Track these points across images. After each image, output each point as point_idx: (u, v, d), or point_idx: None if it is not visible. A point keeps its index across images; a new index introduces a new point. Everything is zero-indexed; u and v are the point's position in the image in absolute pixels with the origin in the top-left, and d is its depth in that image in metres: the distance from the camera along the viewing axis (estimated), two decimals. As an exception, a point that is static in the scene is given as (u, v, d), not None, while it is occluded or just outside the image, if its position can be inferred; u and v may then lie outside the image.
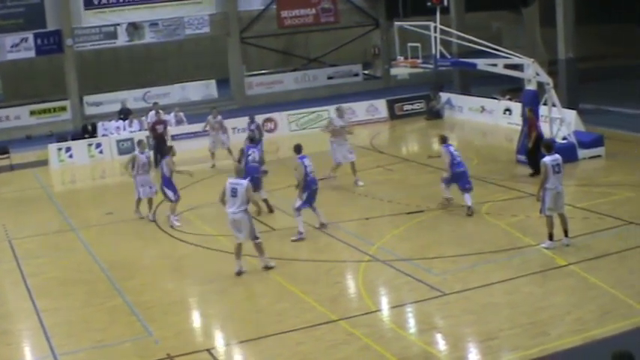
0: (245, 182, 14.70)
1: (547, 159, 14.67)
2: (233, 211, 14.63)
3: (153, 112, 27.27)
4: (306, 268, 15.10)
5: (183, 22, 36.18)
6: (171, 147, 19.62)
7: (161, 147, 25.52)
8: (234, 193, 14.60)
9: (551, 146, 15.17)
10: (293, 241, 16.59)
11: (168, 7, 36.01)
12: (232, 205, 14.63)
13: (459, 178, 17.67)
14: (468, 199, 17.52)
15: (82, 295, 14.50)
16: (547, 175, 14.54)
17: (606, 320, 11.52)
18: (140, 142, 20.25)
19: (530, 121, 20.80)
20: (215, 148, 25.18)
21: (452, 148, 17.92)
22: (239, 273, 14.79)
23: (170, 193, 18.56)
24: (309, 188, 16.78)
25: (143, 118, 28.85)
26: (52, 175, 27.10)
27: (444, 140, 17.98)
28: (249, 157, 19.02)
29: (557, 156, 14.81)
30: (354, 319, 12.41)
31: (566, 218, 14.92)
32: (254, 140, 20.27)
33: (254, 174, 18.47)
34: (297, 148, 17.24)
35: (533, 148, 20.34)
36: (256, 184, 18.55)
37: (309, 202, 16.92)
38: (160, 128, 25.59)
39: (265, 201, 18.93)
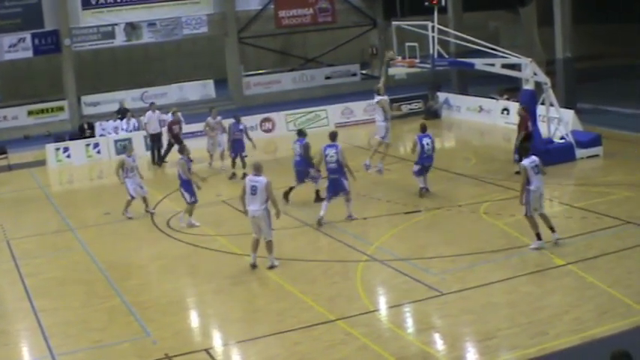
0: (264, 180, 14.70)
1: (525, 162, 14.95)
2: (253, 209, 14.68)
3: (150, 112, 27.23)
4: (305, 268, 15.08)
5: (180, 22, 36.16)
6: (184, 147, 19.58)
7: (162, 148, 25.93)
8: (253, 190, 14.64)
9: (527, 149, 15.69)
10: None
11: (166, 7, 36.00)
12: (252, 203, 14.69)
13: (426, 170, 19.21)
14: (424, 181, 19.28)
15: (80, 295, 14.49)
16: (528, 178, 14.71)
17: (604, 320, 11.52)
18: (125, 146, 20.42)
19: (523, 119, 20.78)
20: (214, 150, 25.05)
21: (425, 140, 18.97)
22: (254, 265, 14.92)
23: (187, 195, 18.23)
24: (327, 177, 17.70)
25: (141, 117, 28.82)
26: (50, 175, 27.07)
27: (421, 129, 19.31)
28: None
29: (534, 158, 15.04)
30: (352, 318, 12.40)
31: (547, 216, 15.02)
32: (302, 134, 20.19)
33: (295, 167, 19.33)
34: (329, 135, 18.09)
35: (520, 146, 20.38)
36: (299, 177, 19.39)
37: (329, 190, 17.58)
38: (175, 129, 25.84)
39: (317, 192, 19.39)
